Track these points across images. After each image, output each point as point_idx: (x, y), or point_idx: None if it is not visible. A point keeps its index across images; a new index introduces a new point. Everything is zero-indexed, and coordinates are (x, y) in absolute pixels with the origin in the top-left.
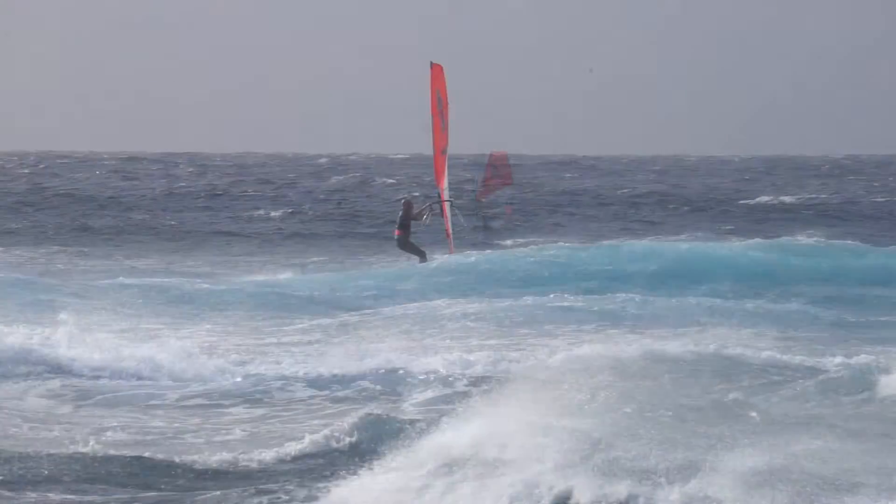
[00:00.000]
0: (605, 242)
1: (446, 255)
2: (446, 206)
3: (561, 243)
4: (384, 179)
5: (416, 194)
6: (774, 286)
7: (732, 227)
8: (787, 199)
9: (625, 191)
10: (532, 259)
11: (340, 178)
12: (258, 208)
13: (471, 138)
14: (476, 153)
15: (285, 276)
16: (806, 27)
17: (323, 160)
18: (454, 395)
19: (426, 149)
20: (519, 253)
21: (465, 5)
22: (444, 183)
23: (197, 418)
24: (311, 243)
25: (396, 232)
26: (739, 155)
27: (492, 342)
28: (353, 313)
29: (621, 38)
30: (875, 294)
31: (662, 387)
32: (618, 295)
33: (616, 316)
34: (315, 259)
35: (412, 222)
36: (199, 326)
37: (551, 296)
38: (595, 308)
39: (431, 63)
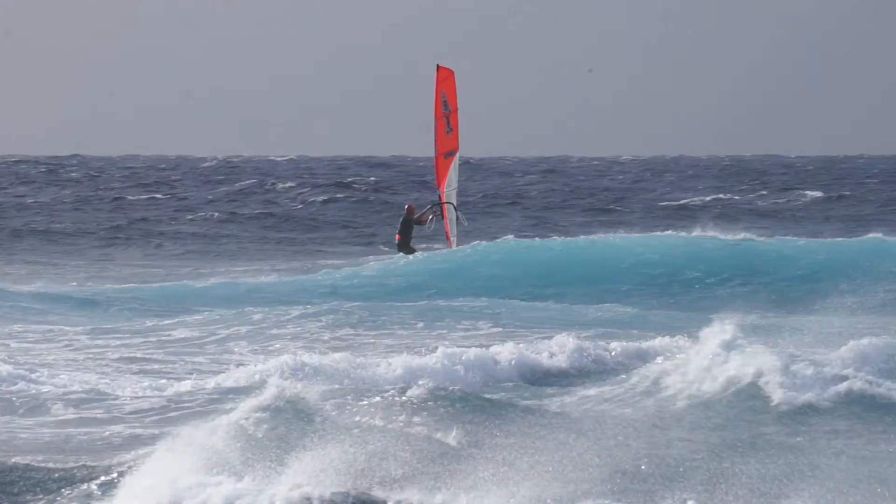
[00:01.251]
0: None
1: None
2: (446, 208)
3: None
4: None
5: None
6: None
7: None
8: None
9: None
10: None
11: (245, 182)
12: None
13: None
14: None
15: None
16: (708, 35)
17: (211, 163)
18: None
19: (311, 150)
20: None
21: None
22: (445, 186)
23: None
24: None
25: (397, 237)
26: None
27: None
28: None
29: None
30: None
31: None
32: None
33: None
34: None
35: (415, 227)
36: None
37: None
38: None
39: (438, 66)
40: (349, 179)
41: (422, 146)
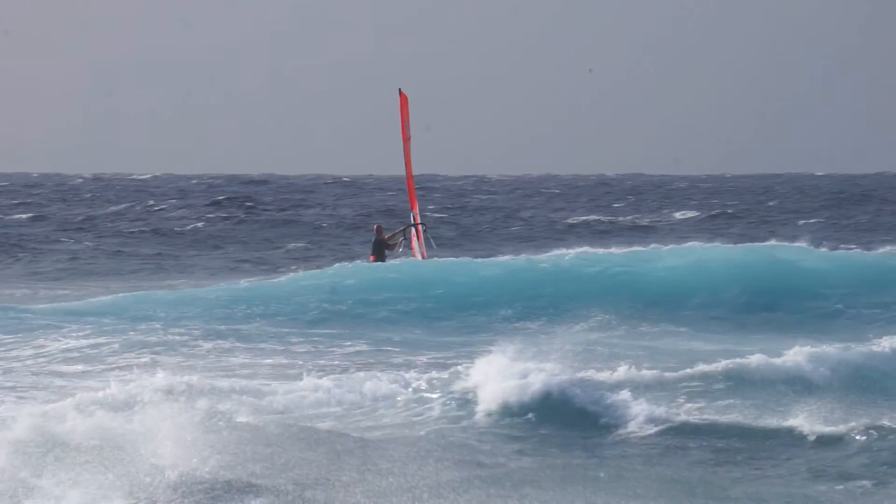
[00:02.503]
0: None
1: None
2: (420, 229)
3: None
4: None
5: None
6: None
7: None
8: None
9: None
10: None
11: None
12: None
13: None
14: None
15: None
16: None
17: (79, 180)
18: None
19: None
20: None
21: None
22: (417, 208)
23: None
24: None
25: (371, 258)
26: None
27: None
28: None
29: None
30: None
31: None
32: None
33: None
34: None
35: (387, 248)
36: None
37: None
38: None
39: (399, 90)
40: (220, 198)
41: (293, 164)
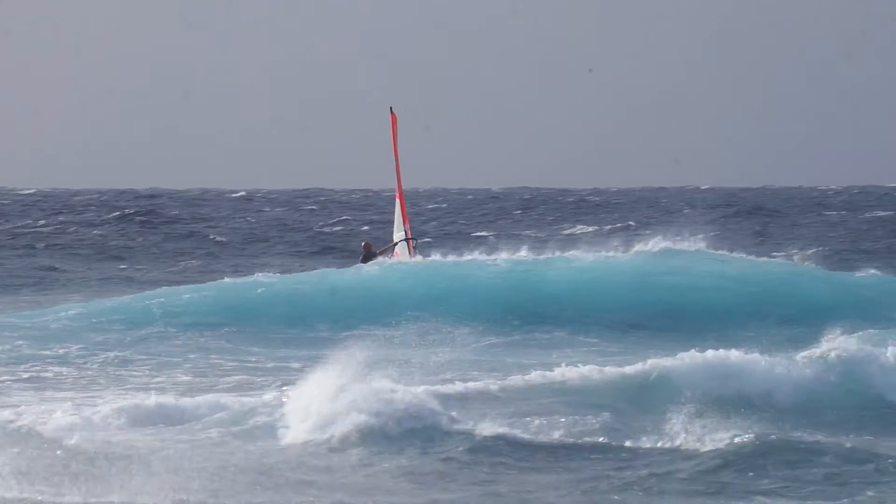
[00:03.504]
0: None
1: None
2: (411, 244)
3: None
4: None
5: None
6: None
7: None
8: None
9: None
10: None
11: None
12: None
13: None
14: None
15: None
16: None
17: None
18: None
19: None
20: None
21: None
22: (398, 224)
23: None
24: None
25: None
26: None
27: None
28: None
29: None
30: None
31: None
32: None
33: None
34: None
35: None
36: None
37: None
38: None
39: (391, 110)
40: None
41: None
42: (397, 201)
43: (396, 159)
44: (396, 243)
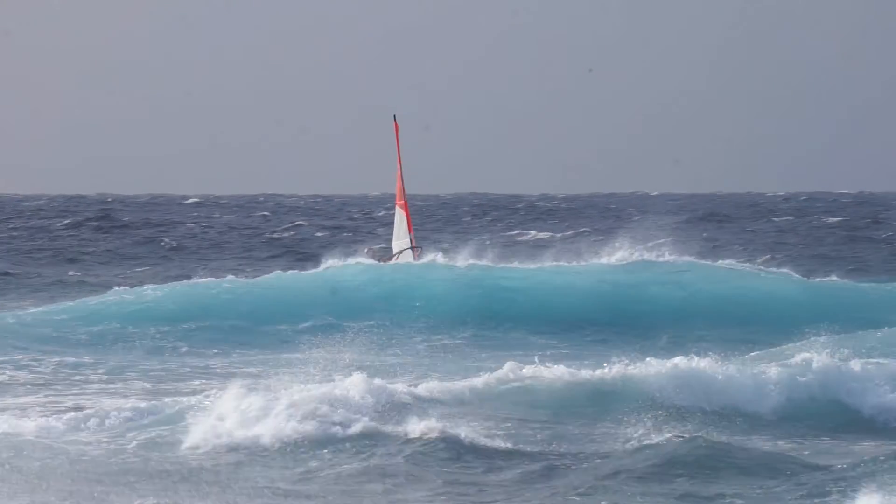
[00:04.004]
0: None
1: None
2: (416, 252)
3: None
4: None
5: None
6: None
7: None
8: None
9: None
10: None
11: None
12: None
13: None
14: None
15: None
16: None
17: None
18: None
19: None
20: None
21: None
22: (397, 233)
23: None
24: None
25: None
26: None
27: None
28: None
29: None
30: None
31: None
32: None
33: None
34: None
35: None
36: None
37: None
38: None
39: (394, 118)
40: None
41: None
42: (399, 210)
43: (399, 168)
44: (402, 251)
